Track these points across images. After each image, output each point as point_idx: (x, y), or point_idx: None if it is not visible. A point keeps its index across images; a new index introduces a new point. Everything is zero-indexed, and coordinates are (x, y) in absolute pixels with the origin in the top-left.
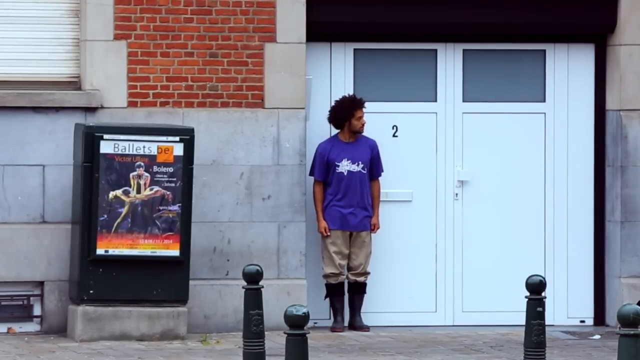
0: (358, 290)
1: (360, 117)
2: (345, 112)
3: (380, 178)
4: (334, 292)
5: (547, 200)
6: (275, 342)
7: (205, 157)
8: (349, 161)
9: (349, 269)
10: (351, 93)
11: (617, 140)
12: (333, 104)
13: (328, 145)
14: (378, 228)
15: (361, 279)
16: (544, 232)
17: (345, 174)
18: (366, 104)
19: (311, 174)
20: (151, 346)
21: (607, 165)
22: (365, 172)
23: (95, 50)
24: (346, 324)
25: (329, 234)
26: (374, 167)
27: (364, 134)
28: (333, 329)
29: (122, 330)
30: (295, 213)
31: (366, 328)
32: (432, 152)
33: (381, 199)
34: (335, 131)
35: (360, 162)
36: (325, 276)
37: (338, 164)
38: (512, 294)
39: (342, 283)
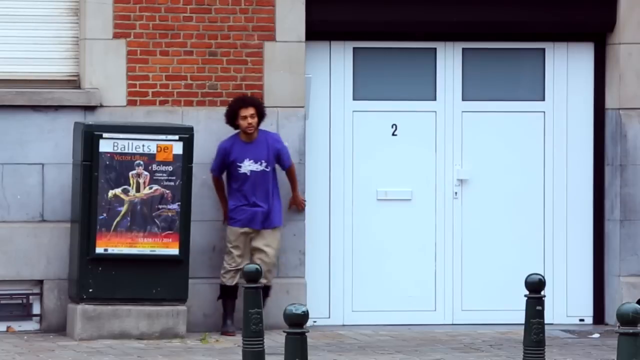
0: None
1: (246, 117)
2: (232, 111)
3: (296, 164)
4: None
5: (546, 199)
6: (274, 341)
7: (204, 155)
8: (251, 161)
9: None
10: (246, 95)
11: (617, 139)
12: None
13: (228, 144)
14: (303, 202)
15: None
16: (544, 231)
17: (249, 174)
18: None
19: (211, 168)
20: (150, 345)
21: (606, 164)
22: (268, 170)
23: (94, 48)
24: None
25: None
26: (282, 160)
27: (269, 130)
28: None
29: (122, 329)
30: (294, 212)
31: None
32: (432, 150)
33: (380, 198)
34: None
35: (262, 161)
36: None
37: (240, 164)
38: (512, 293)
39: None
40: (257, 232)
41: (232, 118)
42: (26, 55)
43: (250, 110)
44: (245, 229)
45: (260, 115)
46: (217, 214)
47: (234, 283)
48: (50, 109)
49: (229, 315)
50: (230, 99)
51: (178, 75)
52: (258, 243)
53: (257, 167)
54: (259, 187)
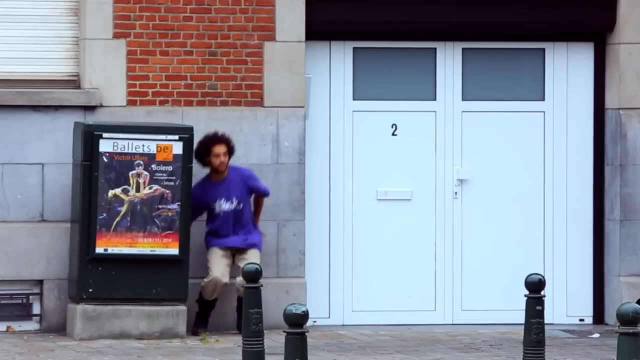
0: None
1: (218, 155)
2: (203, 148)
3: (268, 197)
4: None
5: (546, 199)
6: (274, 341)
7: None
8: (223, 200)
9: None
10: (217, 131)
11: (617, 138)
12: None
13: (199, 188)
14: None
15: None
16: (544, 231)
17: (222, 214)
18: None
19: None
20: (150, 345)
21: (606, 164)
22: (241, 207)
23: (94, 48)
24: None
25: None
26: (256, 193)
27: (238, 165)
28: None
29: (122, 329)
30: (295, 212)
31: None
32: (432, 150)
33: (380, 198)
34: None
35: (234, 199)
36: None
37: (213, 205)
38: (512, 293)
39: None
40: (239, 251)
41: (203, 155)
42: (26, 55)
43: (223, 148)
44: (225, 250)
45: (231, 152)
46: None
47: (211, 298)
48: (50, 109)
49: (203, 319)
50: (231, 98)
51: (178, 75)
52: (240, 262)
53: (229, 205)
54: (234, 223)
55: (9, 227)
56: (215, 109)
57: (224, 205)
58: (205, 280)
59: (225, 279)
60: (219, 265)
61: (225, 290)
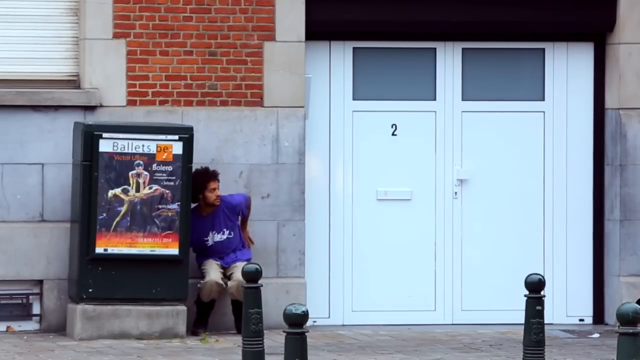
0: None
1: (214, 189)
2: (198, 184)
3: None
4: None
5: (546, 199)
6: (274, 341)
7: (204, 155)
8: (214, 232)
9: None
10: (205, 165)
11: (617, 138)
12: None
13: (191, 226)
14: (250, 241)
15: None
16: (543, 231)
17: (214, 244)
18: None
19: None
20: (150, 345)
21: (606, 164)
22: (232, 235)
23: (94, 48)
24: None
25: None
26: (243, 214)
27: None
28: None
29: (122, 328)
30: (295, 212)
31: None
32: (432, 150)
33: (380, 198)
34: None
35: (225, 230)
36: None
37: (206, 238)
38: (512, 293)
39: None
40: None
41: (196, 190)
42: (26, 55)
43: (217, 183)
44: (218, 262)
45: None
46: None
47: (208, 300)
48: (50, 109)
49: (202, 319)
50: (231, 98)
51: (178, 75)
52: (231, 270)
53: (221, 236)
54: (226, 250)
55: (9, 227)
56: (215, 109)
57: (217, 237)
58: (201, 282)
59: (221, 281)
60: (214, 270)
61: (222, 291)
